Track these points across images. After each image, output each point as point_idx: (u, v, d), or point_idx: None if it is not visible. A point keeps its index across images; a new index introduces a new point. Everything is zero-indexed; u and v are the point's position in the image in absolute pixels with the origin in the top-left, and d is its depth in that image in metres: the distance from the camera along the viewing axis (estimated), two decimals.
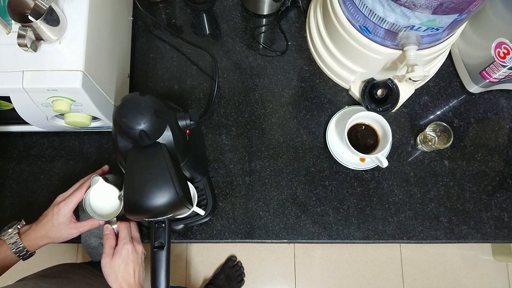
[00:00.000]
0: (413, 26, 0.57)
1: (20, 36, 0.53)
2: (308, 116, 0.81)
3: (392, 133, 0.72)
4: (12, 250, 0.60)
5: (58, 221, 0.62)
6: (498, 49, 0.69)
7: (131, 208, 0.52)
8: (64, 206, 0.62)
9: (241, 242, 0.76)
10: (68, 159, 0.78)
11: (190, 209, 0.59)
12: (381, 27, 0.60)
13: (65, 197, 0.63)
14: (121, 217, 0.66)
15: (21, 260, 0.62)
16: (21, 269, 0.74)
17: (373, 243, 0.77)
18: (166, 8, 0.87)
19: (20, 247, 0.61)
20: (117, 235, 0.65)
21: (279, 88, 0.82)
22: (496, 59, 0.70)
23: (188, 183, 0.65)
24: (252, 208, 0.76)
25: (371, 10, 0.58)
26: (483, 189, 0.78)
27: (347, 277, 1.55)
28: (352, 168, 0.77)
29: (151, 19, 0.85)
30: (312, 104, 0.82)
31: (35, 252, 0.63)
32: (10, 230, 0.62)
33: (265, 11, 0.84)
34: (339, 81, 0.81)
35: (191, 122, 0.57)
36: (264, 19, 0.87)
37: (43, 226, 0.62)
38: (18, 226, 0.63)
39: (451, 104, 0.82)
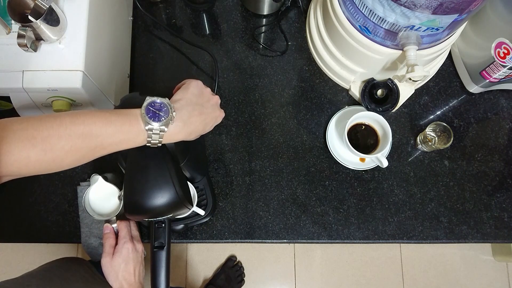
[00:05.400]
0: (413, 26, 0.57)
1: (20, 36, 0.53)
2: (308, 116, 0.81)
3: (392, 133, 0.72)
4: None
5: None
6: (498, 49, 0.69)
7: (131, 208, 0.52)
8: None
9: (241, 242, 0.76)
10: None
11: (190, 209, 0.59)
12: (381, 27, 0.60)
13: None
14: (120, 216, 0.66)
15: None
16: (22, 270, 0.74)
17: (373, 243, 0.77)
18: (166, 8, 0.87)
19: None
20: (117, 234, 0.65)
21: (279, 88, 0.82)
22: (496, 59, 0.70)
23: (188, 183, 0.65)
24: (252, 208, 0.76)
25: (371, 10, 0.58)
26: (483, 189, 0.78)
27: (347, 277, 1.55)
28: (352, 168, 0.77)
29: (151, 19, 0.85)
30: (312, 104, 0.82)
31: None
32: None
33: (265, 11, 0.84)
34: (339, 81, 0.81)
35: None
36: (264, 19, 0.87)
37: None
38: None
39: (451, 104, 0.82)
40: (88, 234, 0.71)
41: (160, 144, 0.49)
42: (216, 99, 0.57)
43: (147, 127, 0.46)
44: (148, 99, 0.47)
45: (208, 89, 0.56)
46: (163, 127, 0.46)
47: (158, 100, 0.47)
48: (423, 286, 1.55)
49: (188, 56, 0.84)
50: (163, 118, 0.46)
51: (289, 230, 0.76)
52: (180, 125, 0.49)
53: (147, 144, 0.48)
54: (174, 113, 0.48)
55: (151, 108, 0.46)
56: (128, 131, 0.46)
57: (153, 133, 0.46)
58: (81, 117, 0.44)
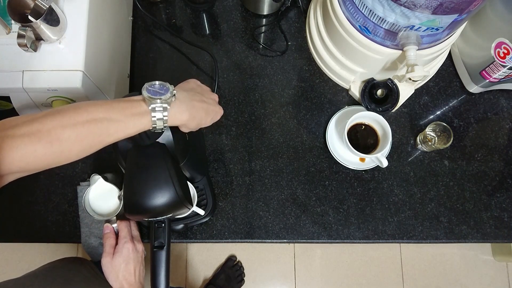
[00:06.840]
0: (413, 26, 0.57)
1: (20, 36, 0.53)
2: (308, 116, 0.81)
3: (392, 133, 0.72)
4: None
5: None
6: (498, 49, 0.69)
7: (131, 208, 0.52)
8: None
9: (241, 242, 0.76)
10: None
11: (190, 209, 0.59)
12: (381, 27, 0.60)
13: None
14: (120, 216, 0.66)
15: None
16: (22, 270, 0.74)
17: (373, 243, 0.77)
18: (166, 8, 0.87)
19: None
20: (117, 234, 0.65)
21: (279, 88, 0.82)
22: (496, 59, 0.70)
23: (188, 183, 0.65)
24: (252, 208, 0.76)
25: (371, 10, 0.58)
26: (483, 189, 0.78)
27: (347, 277, 1.55)
28: (352, 168, 0.77)
29: (151, 19, 0.85)
30: (312, 104, 0.82)
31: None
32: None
33: (265, 11, 0.84)
34: (339, 81, 0.81)
35: None
36: (264, 19, 0.87)
37: None
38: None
39: (451, 104, 0.82)
40: (88, 234, 0.71)
41: (166, 126, 0.48)
42: (215, 96, 0.58)
43: (150, 107, 0.46)
44: (147, 83, 0.47)
45: (208, 87, 0.58)
46: (165, 105, 0.46)
47: (157, 82, 0.47)
48: (423, 286, 1.55)
49: (188, 56, 0.84)
50: (164, 94, 0.46)
51: (289, 230, 0.76)
52: (183, 106, 0.50)
53: (153, 126, 0.47)
54: (175, 91, 0.48)
55: (151, 89, 0.47)
56: (132, 113, 0.46)
57: (156, 111, 0.46)
58: (83, 106, 0.45)
